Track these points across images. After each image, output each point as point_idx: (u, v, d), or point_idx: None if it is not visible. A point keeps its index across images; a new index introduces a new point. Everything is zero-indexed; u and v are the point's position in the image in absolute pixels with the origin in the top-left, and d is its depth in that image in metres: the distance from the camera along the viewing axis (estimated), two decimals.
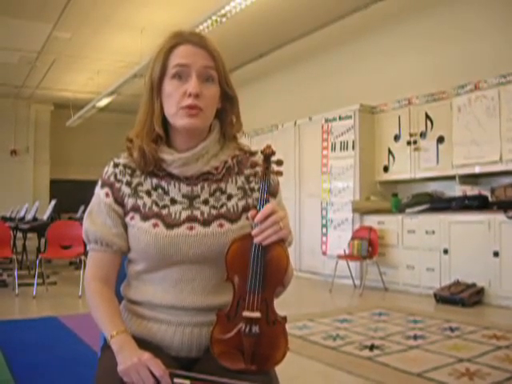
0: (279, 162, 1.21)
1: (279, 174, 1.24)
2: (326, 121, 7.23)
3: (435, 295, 5.34)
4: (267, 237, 1.12)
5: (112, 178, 1.27)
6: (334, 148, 7.09)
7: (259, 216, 1.13)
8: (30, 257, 7.76)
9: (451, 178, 5.89)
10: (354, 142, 6.78)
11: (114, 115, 12.91)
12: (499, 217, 5.09)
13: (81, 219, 8.35)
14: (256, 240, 1.13)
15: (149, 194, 1.26)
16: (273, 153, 1.19)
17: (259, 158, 1.28)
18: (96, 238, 1.25)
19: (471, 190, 5.84)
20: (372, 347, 3.56)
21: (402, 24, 6.96)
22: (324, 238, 7.15)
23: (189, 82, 1.20)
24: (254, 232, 1.13)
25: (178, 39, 1.23)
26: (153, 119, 1.24)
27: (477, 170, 5.58)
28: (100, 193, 1.27)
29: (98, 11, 7.51)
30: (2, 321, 4.47)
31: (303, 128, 7.73)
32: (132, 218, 1.24)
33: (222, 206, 1.26)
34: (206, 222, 1.23)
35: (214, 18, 6.44)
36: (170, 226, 1.22)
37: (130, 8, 7.45)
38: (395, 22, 7.05)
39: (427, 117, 6.16)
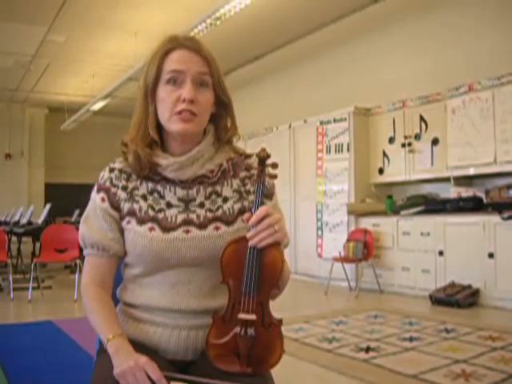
0: (274, 165, 1.20)
1: (274, 177, 1.24)
2: (321, 123, 7.24)
3: (431, 297, 5.35)
4: (262, 239, 1.12)
5: (108, 183, 1.27)
6: (328, 150, 7.10)
7: (253, 219, 1.13)
8: (25, 261, 7.72)
9: (446, 179, 5.90)
10: (348, 145, 6.79)
11: (109, 118, 12.90)
12: (494, 218, 5.10)
13: (76, 223, 8.33)
14: (251, 243, 1.13)
15: (145, 198, 1.26)
16: (268, 156, 1.19)
17: (254, 160, 1.28)
18: (92, 243, 1.25)
19: (466, 192, 5.85)
20: (368, 349, 3.57)
21: (396, 26, 6.99)
22: (319, 241, 7.15)
23: (183, 88, 1.20)
24: (248, 235, 1.13)
25: (173, 44, 1.23)
26: (147, 124, 1.24)
27: (471, 171, 5.59)
28: (96, 198, 1.27)
29: (92, 14, 7.51)
30: None
31: (298, 130, 7.74)
32: (128, 222, 1.24)
33: (217, 209, 1.26)
34: (202, 225, 1.23)
35: (208, 20, 6.44)
36: (166, 229, 1.22)
37: (124, 11, 7.45)
38: (389, 25, 7.08)
39: (422, 119, 6.17)
